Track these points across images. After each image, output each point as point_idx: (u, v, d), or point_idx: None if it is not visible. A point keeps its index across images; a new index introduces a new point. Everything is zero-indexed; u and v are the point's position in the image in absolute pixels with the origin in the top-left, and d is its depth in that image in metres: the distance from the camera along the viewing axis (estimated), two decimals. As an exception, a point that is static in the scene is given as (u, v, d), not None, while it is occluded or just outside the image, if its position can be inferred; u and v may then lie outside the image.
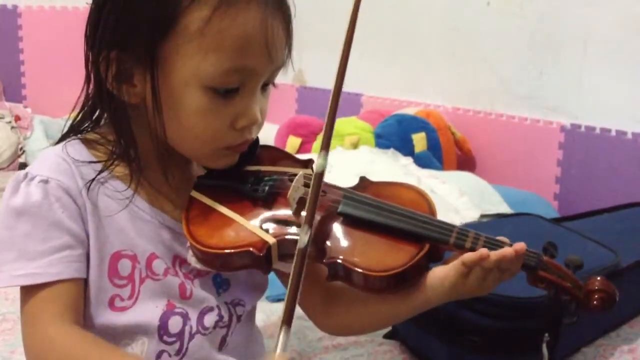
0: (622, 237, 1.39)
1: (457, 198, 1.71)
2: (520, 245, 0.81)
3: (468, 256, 0.80)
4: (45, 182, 0.78)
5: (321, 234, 0.81)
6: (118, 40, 0.78)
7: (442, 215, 1.59)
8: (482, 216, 1.68)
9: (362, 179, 0.91)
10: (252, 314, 0.92)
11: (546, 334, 1.10)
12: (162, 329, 0.81)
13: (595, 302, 0.83)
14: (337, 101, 0.78)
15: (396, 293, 0.82)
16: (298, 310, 0.99)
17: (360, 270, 0.79)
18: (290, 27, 0.83)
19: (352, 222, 0.83)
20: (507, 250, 0.80)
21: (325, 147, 0.76)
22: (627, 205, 1.62)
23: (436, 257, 0.83)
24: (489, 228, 1.46)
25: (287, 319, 0.68)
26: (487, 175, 1.99)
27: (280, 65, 0.82)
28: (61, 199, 0.78)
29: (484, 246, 0.82)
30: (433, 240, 0.82)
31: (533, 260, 0.83)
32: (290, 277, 0.69)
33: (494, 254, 0.80)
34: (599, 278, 0.84)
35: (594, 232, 1.36)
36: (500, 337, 1.10)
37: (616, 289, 0.84)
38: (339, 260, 0.80)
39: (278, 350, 0.67)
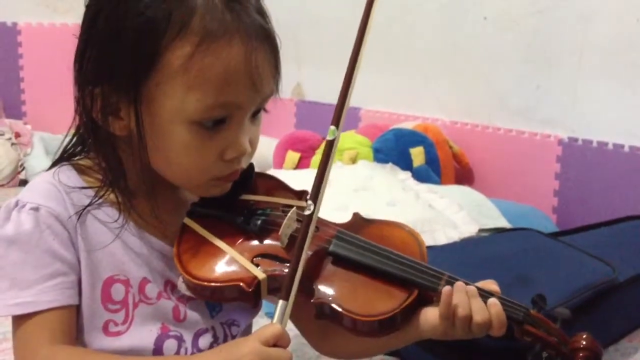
0: (620, 251, 1.39)
1: (456, 212, 1.72)
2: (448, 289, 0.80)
3: (442, 311, 0.80)
4: (36, 209, 0.78)
5: (310, 273, 0.81)
6: (102, 76, 0.78)
7: (440, 230, 1.62)
8: (481, 230, 1.68)
9: (356, 216, 0.91)
10: (248, 332, 0.92)
11: (544, 353, 1.10)
12: (158, 353, 0.81)
13: None
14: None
15: (384, 336, 0.82)
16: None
17: (346, 313, 0.79)
18: (278, 56, 0.82)
19: (341, 263, 0.83)
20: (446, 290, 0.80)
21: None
22: (624, 218, 1.63)
23: (425, 301, 0.83)
24: (487, 244, 1.48)
25: (285, 295, 0.73)
26: (485, 189, 2.00)
27: (269, 95, 0.82)
28: (52, 226, 0.77)
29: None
30: (422, 287, 0.82)
31: (520, 314, 0.82)
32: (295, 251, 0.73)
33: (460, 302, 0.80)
34: (585, 336, 0.82)
35: (592, 246, 1.37)
36: (499, 355, 1.10)
37: (601, 348, 0.83)
38: (326, 302, 0.80)
39: (274, 320, 0.72)
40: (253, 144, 0.83)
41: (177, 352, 0.82)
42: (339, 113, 0.80)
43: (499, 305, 0.81)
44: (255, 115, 0.82)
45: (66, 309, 0.77)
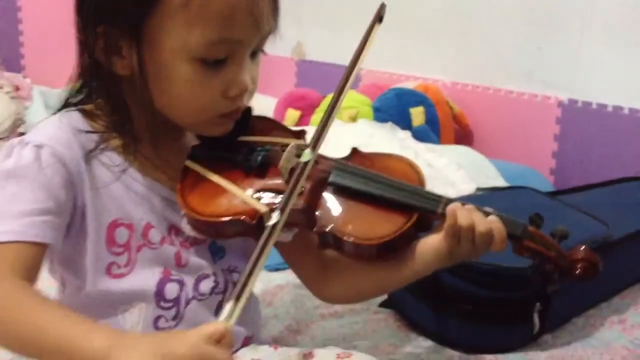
0: (615, 211, 1.41)
1: (454, 171, 1.73)
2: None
3: (447, 224, 0.83)
4: (39, 147, 0.78)
5: (312, 204, 0.83)
6: (104, 15, 0.78)
7: (438, 189, 1.61)
8: (478, 189, 1.69)
9: (354, 150, 0.94)
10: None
11: (537, 304, 1.12)
12: (159, 295, 0.83)
13: (578, 271, 0.86)
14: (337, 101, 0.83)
15: (386, 261, 0.85)
16: (295, 279, 1.02)
17: (349, 239, 0.82)
18: None
19: (342, 192, 0.86)
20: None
21: (314, 145, 0.80)
22: (620, 179, 1.64)
23: (425, 226, 0.86)
24: (484, 201, 1.49)
25: (237, 295, 0.67)
26: (485, 150, 2.00)
27: (269, 32, 0.83)
28: (53, 166, 0.77)
29: None
30: (421, 209, 0.85)
31: (519, 229, 0.85)
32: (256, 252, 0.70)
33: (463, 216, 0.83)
34: (582, 247, 0.86)
35: (588, 206, 1.38)
36: (490, 306, 1.12)
37: (599, 258, 0.86)
38: (329, 229, 0.82)
39: (220, 318, 0.66)
40: (254, 82, 0.84)
41: (178, 296, 0.84)
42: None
43: (498, 221, 0.84)
44: (254, 54, 0.83)
45: (43, 247, 0.75)
